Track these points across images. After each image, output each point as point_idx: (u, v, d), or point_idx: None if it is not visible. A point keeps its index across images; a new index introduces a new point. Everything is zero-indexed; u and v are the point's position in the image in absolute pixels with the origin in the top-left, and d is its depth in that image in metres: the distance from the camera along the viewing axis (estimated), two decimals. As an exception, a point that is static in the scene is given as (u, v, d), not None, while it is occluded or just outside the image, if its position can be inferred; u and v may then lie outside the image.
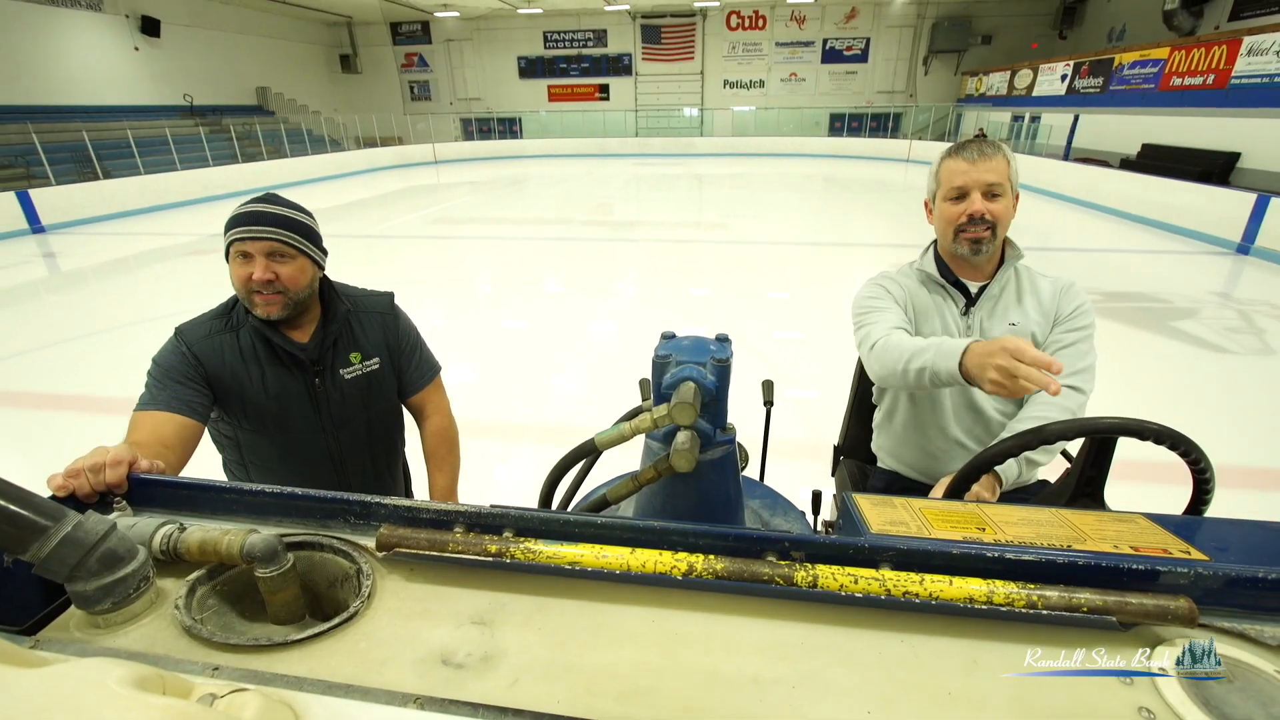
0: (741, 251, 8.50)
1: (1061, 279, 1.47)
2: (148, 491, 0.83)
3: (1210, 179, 9.74)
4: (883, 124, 22.68)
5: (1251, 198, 8.02)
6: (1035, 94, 16.43)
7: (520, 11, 22.32)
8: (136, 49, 16.77)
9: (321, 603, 0.74)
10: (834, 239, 9.43)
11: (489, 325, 5.80)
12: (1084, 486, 1.09)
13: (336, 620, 0.62)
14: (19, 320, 6.27)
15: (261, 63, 21.02)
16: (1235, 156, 10.05)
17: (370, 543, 0.72)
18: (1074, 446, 1.48)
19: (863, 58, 22.52)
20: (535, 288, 7.07)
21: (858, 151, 21.77)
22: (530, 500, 0.99)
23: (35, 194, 10.48)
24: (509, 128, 25.03)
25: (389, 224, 11.27)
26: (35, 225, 10.51)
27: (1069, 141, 14.62)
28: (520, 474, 3.31)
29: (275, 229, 1.29)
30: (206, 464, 1.34)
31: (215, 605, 0.69)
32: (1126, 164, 12.10)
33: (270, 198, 1.34)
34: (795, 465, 2.87)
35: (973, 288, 1.46)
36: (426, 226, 10.91)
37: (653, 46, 23.43)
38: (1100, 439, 1.04)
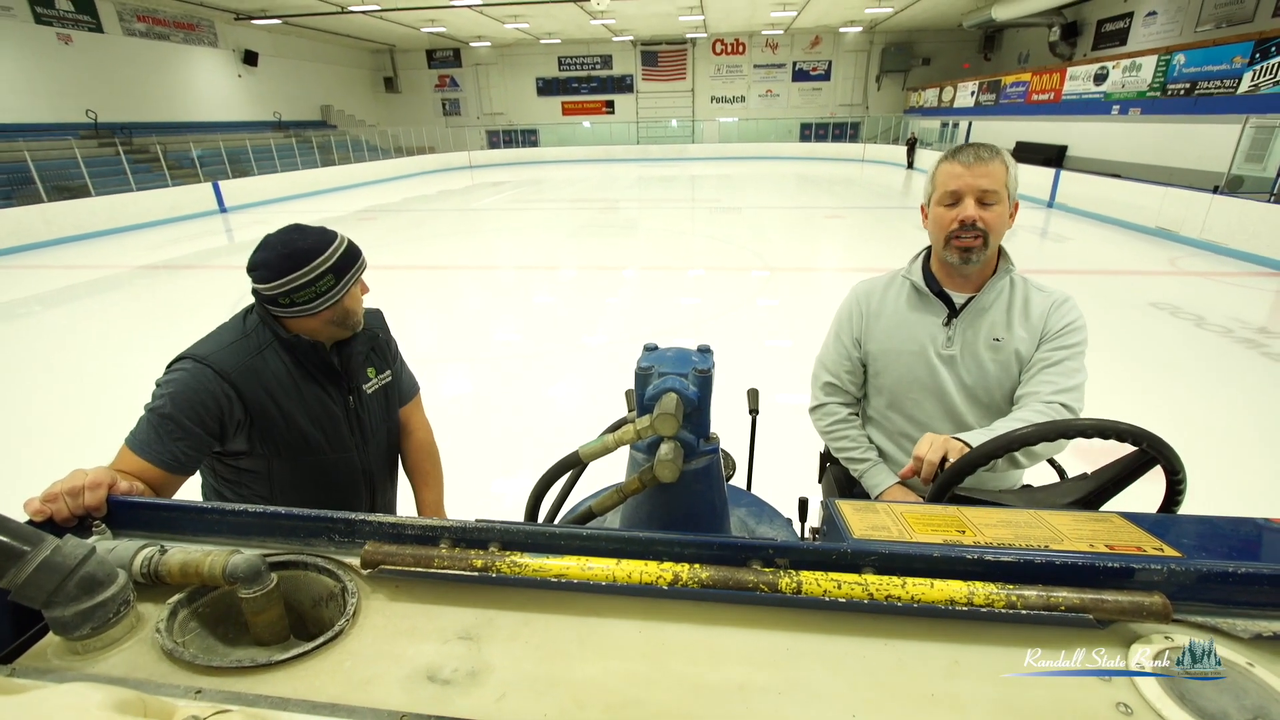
0: (731, 214, 12.80)
1: (1057, 294, 1.40)
2: (127, 514, 0.81)
3: (1050, 163, 14.21)
4: (844, 131, 27.32)
5: (1052, 172, 12.51)
6: (955, 106, 21.05)
7: (541, 41, 26.72)
8: (240, 76, 20.87)
9: (306, 622, 0.73)
10: (799, 205, 13.78)
11: (573, 241, 10.01)
12: (1094, 496, 1.05)
13: (321, 639, 0.62)
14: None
15: (324, 84, 25.18)
16: (1065, 148, 14.61)
17: (355, 560, 0.71)
18: (1062, 457, 1.56)
19: (826, 77, 27.18)
20: (583, 230, 11.33)
21: (823, 154, 26.39)
22: (516, 514, 1.02)
23: (223, 185, 14.59)
24: (527, 138, 29.36)
25: (482, 203, 15.67)
26: (221, 207, 14.61)
27: (966, 141, 19.23)
28: (514, 466, 3.40)
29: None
30: (190, 487, 1.28)
31: (198, 628, 0.68)
32: (1006, 156, 16.64)
33: (320, 227, 1.30)
34: (785, 451, 3.04)
35: (959, 299, 1.41)
36: (503, 203, 15.23)
37: (651, 69, 27.94)
38: (1143, 460, 1.00)
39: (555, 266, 8.63)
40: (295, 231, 1.26)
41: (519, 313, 6.51)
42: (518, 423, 4.05)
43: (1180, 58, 10.79)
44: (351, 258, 1.29)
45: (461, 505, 1.74)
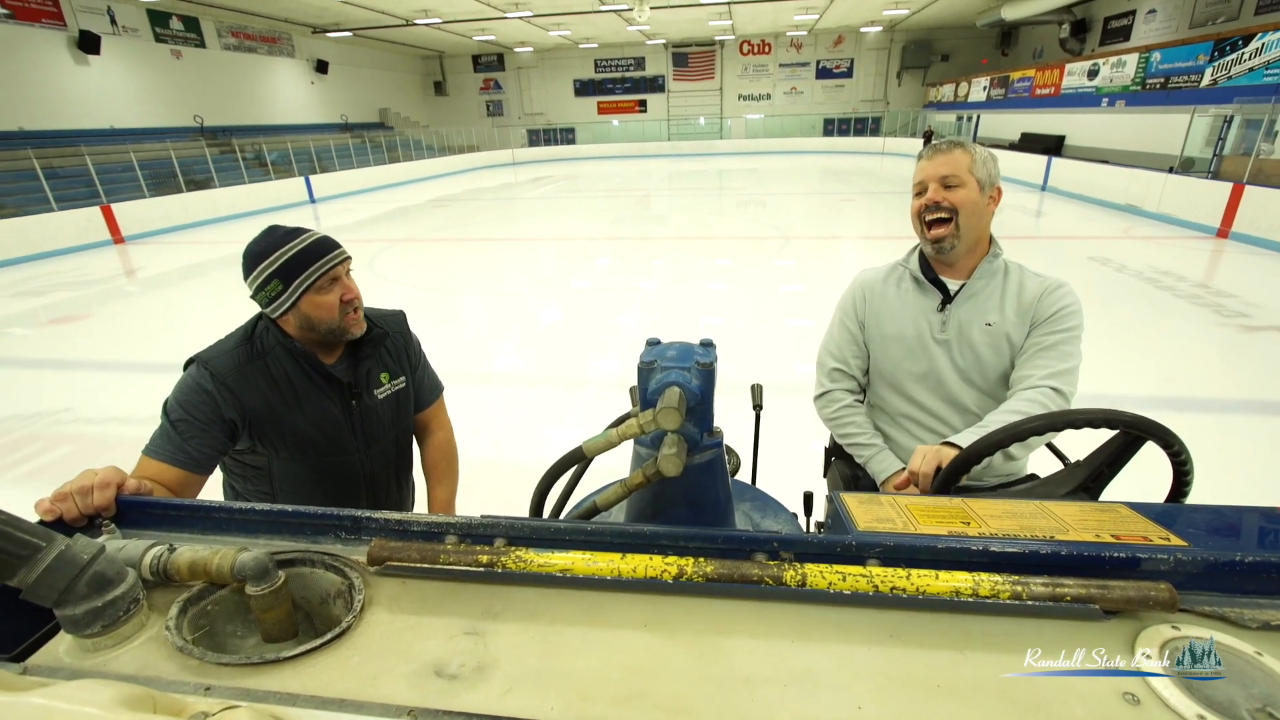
0: (757, 201, 14.50)
1: (1051, 280, 1.43)
2: (136, 513, 0.83)
3: (1049, 152, 15.54)
4: (865, 126, 28.69)
5: (1045, 159, 13.93)
6: (970, 100, 22.36)
7: (580, 46, 28.69)
8: (312, 83, 23.27)
9: (314, 619, 0.74)
10: (821, 191, 15.43)
11: (619, 223, 11.85)
12: (1090, 481, 1.06)
13: (329, 636, 0.62)
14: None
15: (382, 89, 27.56)
16: (1063, 138, 15.93)
17: (361, 557, 0.73)
18: (1062, 442, 1.56)
19: (848, 74, 28.59)
20: (623, 218, 13.17)
21: (845, 148, 27.82)
22: (521, 510, 1.03)
23: (313, 179, 16.88)
24: (565, 136, 31.40)
25: (535, 193, 17.74)
26: (311, 198, 16.88)
27: (974, 134, 20.57)
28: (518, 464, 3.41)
29: (342, 248, 1.28)
30: (212, 487, 1.33)
31: (207, 625, 0.69)
32: (1012, 146, 17.95)
33: (294, 228, 1.28)
34: (790, 456, 3.09)
35: (952, 286, 1.46)
36: (552, 193, 17.24)
37: (681, 69, 29.72)
38: (1130, 439, 1.01)
39: (610, 238, 10.51)
40: (261, 234, 1.26)
41: (564, 283, 8.37)
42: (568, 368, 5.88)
43: (1157, 55, 12.16)
44: (303, 261, 1.22)
45: (491, 470, 2.04)
